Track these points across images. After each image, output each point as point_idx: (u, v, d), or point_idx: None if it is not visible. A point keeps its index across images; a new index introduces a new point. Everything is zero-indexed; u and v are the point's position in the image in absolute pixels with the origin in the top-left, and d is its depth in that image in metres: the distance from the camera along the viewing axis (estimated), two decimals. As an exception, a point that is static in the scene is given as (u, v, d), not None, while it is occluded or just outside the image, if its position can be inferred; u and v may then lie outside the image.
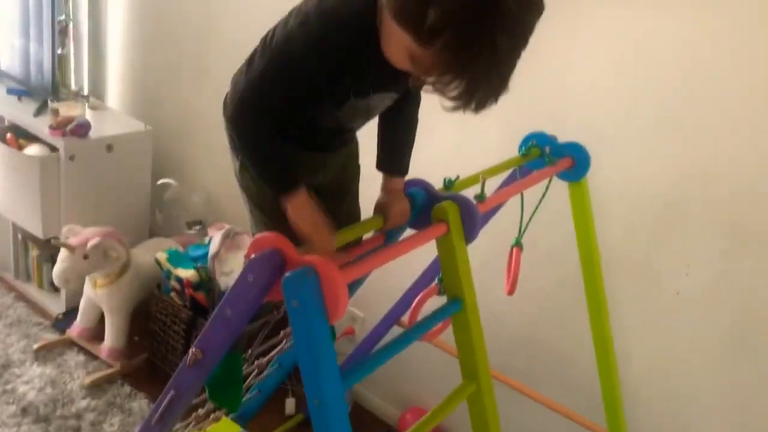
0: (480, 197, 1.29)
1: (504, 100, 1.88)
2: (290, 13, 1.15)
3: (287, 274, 0.93)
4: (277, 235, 1.01)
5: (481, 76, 0.97)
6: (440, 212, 1.20)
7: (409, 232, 1.29)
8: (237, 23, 2.51)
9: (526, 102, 1.87)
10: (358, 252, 1.28)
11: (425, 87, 1.02)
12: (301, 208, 1.13)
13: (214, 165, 2.71)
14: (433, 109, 2.01)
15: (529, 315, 2.01)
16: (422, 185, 1.30)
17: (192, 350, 1.08)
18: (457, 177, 1.37)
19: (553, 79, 1.82)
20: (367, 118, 1.28)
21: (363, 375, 1.04)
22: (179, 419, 1.27)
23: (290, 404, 2.35)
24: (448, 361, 2.04)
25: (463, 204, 1.21)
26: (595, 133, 1.74)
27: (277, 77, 1.10)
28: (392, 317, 1.99)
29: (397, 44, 0.99)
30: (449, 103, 0.99)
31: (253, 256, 0.98)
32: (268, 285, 0.99)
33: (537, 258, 1.80)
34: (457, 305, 1.22)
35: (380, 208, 1.30)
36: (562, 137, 1.67)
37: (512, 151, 1.70)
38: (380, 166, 1.34)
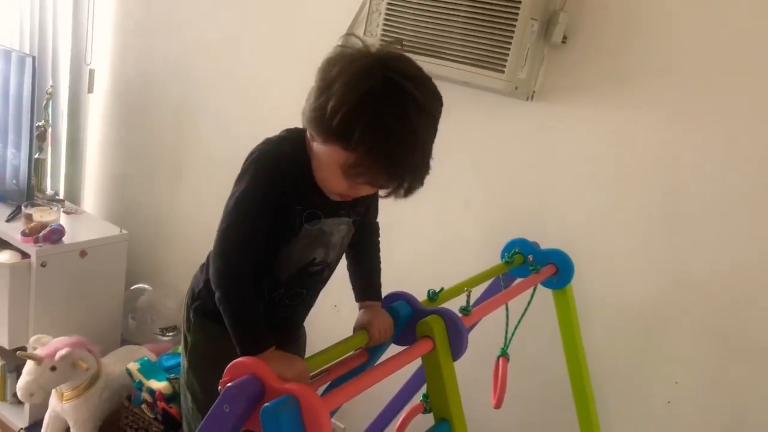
0: (465, 310, 1.26)
1: (483, 205, 1.91)
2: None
3: (266, 404, 0.88)
4: (255, 360, 0.96)
5: (405, 164, 1.08)
6: (426, 328, 1.16)
7: (392, 348, 1.25)
8: (214, 132, 2.53)
9: (505, 207, 1.88)
10: (340, 372, 1.22)
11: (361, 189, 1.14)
12: (271, 359, 1.04)
13: (190, 269, 2.65)
14: (410, 216, 2.03)
15: (517, 426, 1.93)
16: (406, 298, 1.26)
17: (162, 485, 1.00)
18: (441, 289, 1.34)
19: (530, 184, 1.83)
20: (327, 249, 1.27)
21: None
22: None
23: None
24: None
25: (448, 319, 1.18)
26: (576, 237, 1.74)
27: (236, 222, 1.17)
28: (375, 431, 1.91)
29: (329, 162, 1.10)
30: (383, 192, 1.14)
31: (229, 384, 0.93)
32: (246, 414, 0.93)
33: (522, 365, 1.75)
34: (445, 427, 1.16)
35: (362, 325, 1.26)
36: (542, 243, 1.66)
37: (493, 256, 1.69)
38: (357, 297, 1.34)
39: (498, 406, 1.55)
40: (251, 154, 1.21)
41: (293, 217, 1.19)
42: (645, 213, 1.67)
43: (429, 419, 1.28)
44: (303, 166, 1.16)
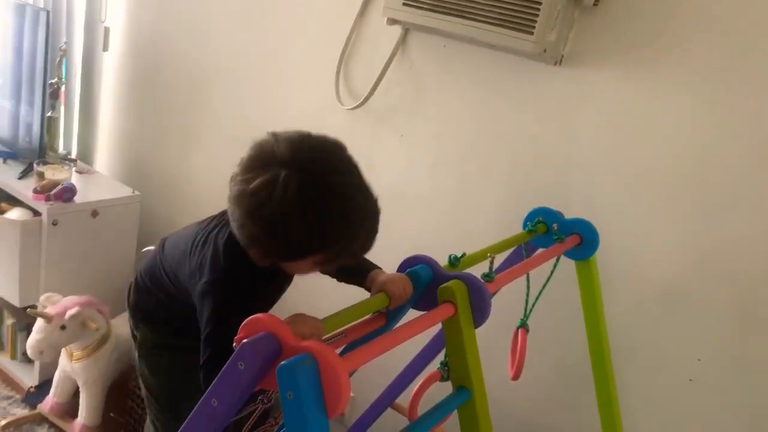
0: (488, 276, 1.21)
1: (504, 174, 1.85)
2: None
3: (283, 362, 0.84)
4: (271, 317, 0.91)
5: (371, 238, 1.22)
6: (447, 292, 1.12)
7: (411, 313, 1.21)
8: (227, 94, 2.48)
9: (527, 176, 1.83)
10: (355, 335, 1.18)
11: None
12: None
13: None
14: (432, 183, 1.98)
15: (533, 400, 1.90)
16: (427, 262, 1.22)
17: (173, 444, 0.97)
18: (463, 254, 1.29)
19: (554, 153, 1.77)
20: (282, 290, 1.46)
21: (363, 476, 0.94)
22: None
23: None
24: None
25: (471, 284, 1.13)
26: (600, 209, 1.68)
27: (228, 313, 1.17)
28: (387, 399, 1.88)
29: (300, 266, 1.22)
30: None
31: (244, 340, 0.89)
32: (261, 373, 0.89)
33: (540, 339, 1.71)
34: (465, 395, 1.12)
35: (381, 287, 1.22)
36: (566, 214, 1.61)
37: (514, 226, 1.64)
38: (361, 278, 1.34)
39: (515, 377, 1.51)
40: (209, 285, 1.25)
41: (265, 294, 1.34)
42: (672, 186, 1.61)
43: (446, 387, 1.24)
44: (252, 272, 1.24)
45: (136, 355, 1.60)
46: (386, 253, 2.06)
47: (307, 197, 1.10)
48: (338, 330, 1.11)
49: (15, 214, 2.37)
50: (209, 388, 0.92)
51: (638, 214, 1.66)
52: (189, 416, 0.95)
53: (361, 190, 1.19)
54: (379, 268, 1.36)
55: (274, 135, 1.21)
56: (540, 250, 1.57)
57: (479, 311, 1.13)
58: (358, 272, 1.36)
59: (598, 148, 1.71)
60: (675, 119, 1.59)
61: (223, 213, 1.32)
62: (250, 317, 0.92)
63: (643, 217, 1.66)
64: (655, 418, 1.71)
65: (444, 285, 1.13)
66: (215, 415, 0.92)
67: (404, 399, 1.79)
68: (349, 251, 1.18)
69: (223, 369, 0.90)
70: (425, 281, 1.19)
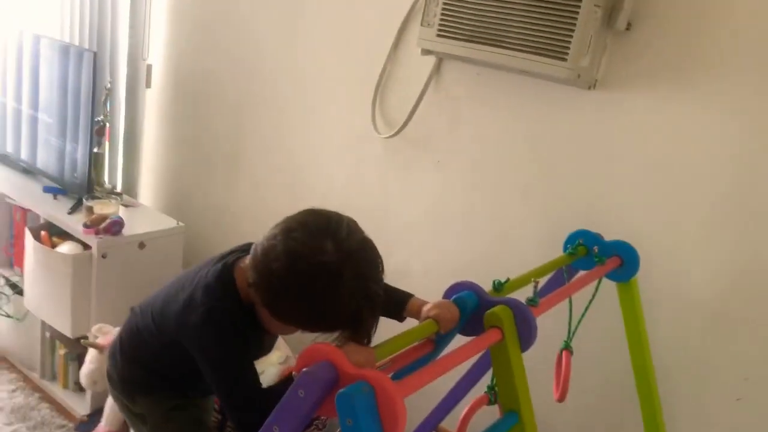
0: (532, 301, 1.24)
1: (542, 197, 1.88)
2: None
3: (341, 390, 0.87)
4: (329, 346, 0.96)
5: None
6: (494, 318, 1.15)
7: (458, 339, 1.24)
8: (271, 125, 2.55)
9: (565, 199, 1.85)
10: (404, 362, 1.21)
11: None
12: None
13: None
14: (469, 208, 2.01)
15: (577, 422, 1.90)
16: (472, 288, 1.25)
17: (235, 471, 1.01)
18: (507, 279, 1.32)
19: (591, 175, 1.80)
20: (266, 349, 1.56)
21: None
22: None
23: None
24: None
25: (517, 309, 1.16)
26: (639, 230, 1.69)
27: (235, 386, 1.32)
28: (431, 423, 1.90)
29: (285, 327, 1.30)
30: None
31: (304, 370, 0.93)
32: (320, 399, 0.93)
33: (584, 360, 1.72)
34: (514, 419, 1.14)
35: (428, 315, 1.25)
36: (604, 236, 1.63)
37: (552, 249, 1.66)
38: (399, 309, 1.37)
39: (561, 399, 1.52)
40: (201, 325, 1.32)
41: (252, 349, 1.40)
42: (711, 206, 1.62)
43: (491, 411, 1.27)
44: (243, 315, 1.33)
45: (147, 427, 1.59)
46: (424, 278, 2.11)
47: (345, 292, 1.18)
48: (388, 357, 1.14)
49: (66, 248, 2.46)
50: (270, 416, 0.96)
51: (679, 235, 1.67)
52: (251, 444, 0.99)
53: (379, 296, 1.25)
54: (413, 295, 1.38)
55: (340, 216, 1.26)
56: (581, 273, 1.59)
57: (526, 336, 1.16)
58: (393, 305, 1.37)
59: (636, 169, 1.73)
60: (714, 140, 1.61)
61: (200, 269, 1.42)
62: (308, 347, 0.96)
63: (685, 237, 1.67)
64: (703, 437, 1.71)
65: (490, 311, 1.16)
66: (277, 442, 0.96)
67: (447, 423, 1.82)
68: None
69: (283, 397, 0.95)
70: (471, 307, 1.22)
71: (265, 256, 1.22)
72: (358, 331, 1.17)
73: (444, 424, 1.88)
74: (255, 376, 1.32)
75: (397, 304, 1.39)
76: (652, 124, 1.69)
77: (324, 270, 1.17)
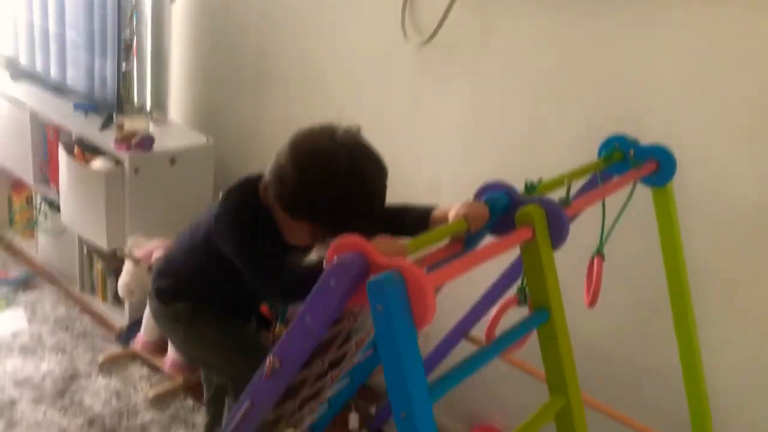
0: (565, 202, 1.22)
1: (579, 100, 1.83)
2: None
3: (372, 277, 0.88)
4: (359, 238, 0.96)
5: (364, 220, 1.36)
6: (525, 217, 1.13)
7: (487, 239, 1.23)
8: (296, 36, 2.50)
9: (602, 101, 1.80)
10: (433, 260, 1.21)
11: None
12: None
13: (275, 177, 2.70)
14: (503, 116, 1.97)
15: (606, 329, 1.91)
16: (503, 188, 1.23)
17: (269, 359, 1.04)
18: (540, 179, 1.30)
19: (631, 77, 1.73)
20: None
21: (450, 386, 0.98)
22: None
23: (354, 419, 2.29)
24: (515, 377, 1.96)
25: (549, 208, 1.15)
26: (678, 134, 1.64)
27: (258, 269, 1.44)
28: (460, 331, 1.92)
29: (299, 230, 1.44)
30: None
31: (335, 260, 0.93)
32: (351, 289, 0.94)
33: (614, 268, 1.70)
34: (544, 315, 1.15)
35: (457, 214, 1.24)
36: (642, 139, 1.59)
37: (587, 154, 1.62)
38: (424, 219, 1.43)
39: (591, 305, 1.52)
40: (221, 215, 1.48)
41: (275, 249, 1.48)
42: (755, 110, 1.56)
43: (523, 313, 1.27)
44: (263, 218, 1.45)
45: (181, 332, 1.70)
46: (454, 191, 2.09)
47: (347, 180, 1.34)
48: (418, 254, 1.14)
49: (99, 163, 2.49)
50: (304, 306, 0.97)
51: (719, 140, 1.62)
52: (285, 333, 1.01)
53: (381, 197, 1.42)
54: (436, 206, 1.44)
55: (345, 126, 1.43)
56: (615, 178, 1.56)
57: (558, 234, 1.15)
58: (416, 221, 1.43)
59: (675, 72, 1.66)
60: (759, 41, 1.53)
61: None
62: (340, 239, 0.96)
63: (723, 142, 1.62)
64: (734, 344, 1.70)
65: (522, 209, 1.14)
66: (309, 330, 0.98)
67: (477, 331, 1.84)
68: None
69: (315, 287, 0.96)
70: (502, 207, 1.21)
71: (275, 157, 1.44)
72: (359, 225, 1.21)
73: (474, 332, 1.90)
74: (275, 259, 1.43)
75: (420, 218, 1.43)
76: (696, 27, 1.61)
77: (320, 152, 1.36)
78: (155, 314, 1.75)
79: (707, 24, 1.59)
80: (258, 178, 1.50)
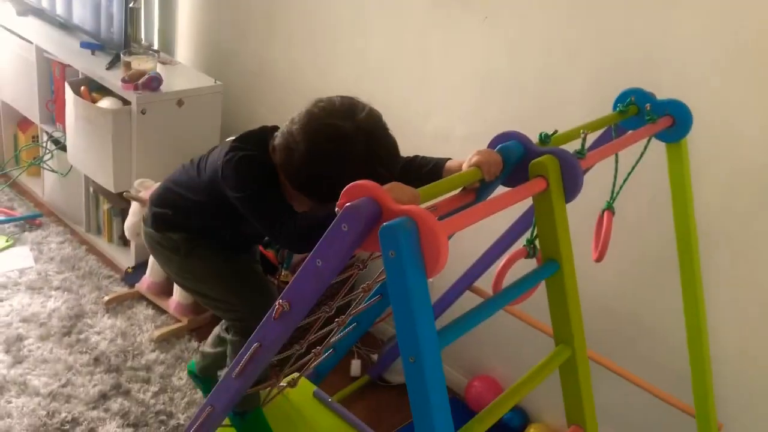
0: (580, 153, 1.21)
1: (590, 54, 1.79)
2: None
3: (385, 223, 0.87)
4: (372, 183, 0.95)
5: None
6: (540, 167, 1.12)
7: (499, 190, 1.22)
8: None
9: (615, 57, 1.76)
10: (447, 208, 1.20)
11: None
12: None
13: (283, 120, 2.67)
14: (517, 66, 1.94)
15: (610, 284, 1.91)
16: (518, 138, 1.21)
17: (279, 302, 1.04)
18: (555, 131, 1.28)
19: (645, 33, 1.69)
20: None
21: (458, 334, 0.98)
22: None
23: (356, 366, 2.33)
24: (515, 327, 1.97)
25: (564, 159, 1.13)
26: (693, 91, 1.61)
27: (270, 216, 1.40)
28: (465, 282, 1.93)
29: (298, 199, 1.43)
30: None
31: (347, 204, 0.92)
32: (363, 234, 0.93)
33: (622, 223, 1.70)
34: (554, 267, 1.14)
35: (471, 163, 1.23)
36: (655, 91, 1.56)
37: (600, 107, 1.60)
38: (439, 167, 1.41)
39: (599, 259, 1.52)
40: (231, 161, 1.44)
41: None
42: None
43: (531, 264, 1.27)
44: (269, 172, 1.43)
45: (176, 263, 1.69)
46: (465, 142, 2.07)
47: (351, 158, 1.31)
48: (430, 202, 1.13)
49: (105, 103, 2.46)
50: (314, 250, 0.97)
51: (733, 97, 1.59)
52: (294, 276, 1.01)
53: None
54: (449, 159, 1.41)
55: (366, 104, 1.38)
56: (630, 132, 1.54)
57: (571, 186, 1.14)
58: (428, 172, 1.40)
59: (692, 27, 1.62)
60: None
61: None
62: (352, 184, 0.95)
63: (739, 99, 1.59)
64: (738, 304, 1.71)
65: (536, 160, 1.13)
66: (320, 274, 0.98)
67: (482, 283, 1.84)
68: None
69: (327, 231, 0.95)
70: (517, 157, 1.19)
71: (290, 121, 1.39)
72: None
73: (478, 284, 1.91)
74: (286, 204, 1.40)
75: (434, 168, 1.42)
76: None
77: (336, 132, 1.31)
78: (148, 240, 1.73)
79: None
80: (271, 132, 1.47)
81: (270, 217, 1.38)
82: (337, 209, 0.95)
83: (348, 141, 1.30)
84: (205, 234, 1.64)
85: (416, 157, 1.49)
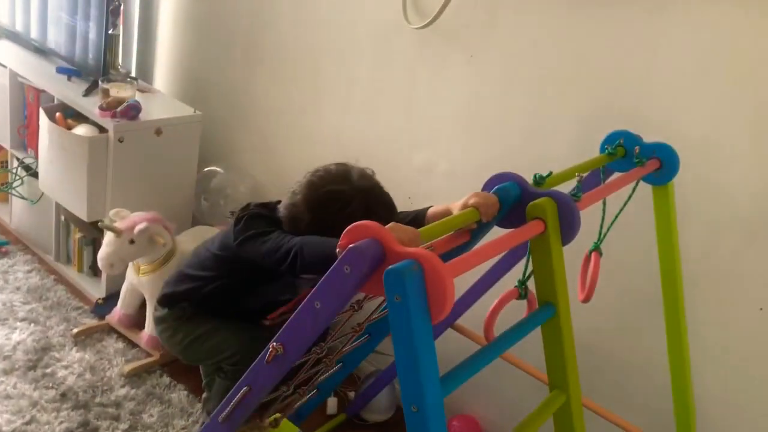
0: (575, 195, 1.21)
1: (581, 96, 1.81)
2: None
3: (391, 266, 0.85)
4: (374, 223, 0.93)
5: None
6: (538, 210, 1.12)
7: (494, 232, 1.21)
8: (287, 12, 2.44)
9: (605, 99, 1.78)
10: (443, 249, 1.19)
11: None
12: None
13: (262, 153, 2.65)
14: (504, 106, 1.95)
15: (594, 324, 1.90)
16: (515, 179, 1.21)
17: (272, 345, 1.01)
18: (550, 173, 1.28)
19: (633, 71, 1.72)
20: (294, 290, 1.85)
21: (461, 381, 0.96)
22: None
23: (332, 404, 2.28)
24: (496, 366, 1.95)
25: (562, 202, 1.13)
26: (678, 133, 1.63)
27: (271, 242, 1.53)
28: (448, 320, 1.91)
29: None
30: None
31: (351, 246, 0.90)
32: (366, 277, 0.91)
33: (607, 263, 1.70)
34: (551, 310, 1.13)
35: (467, 204, 1.22)
36: (642, 133, 1.58)
37: (589, 149, 1.61)
38: (418, 222, 1.49)
39: (586, 300, 1.51)
40: (239, 219, 1.60)
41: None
42: (758, 108, 1.56)
43: (521, 306, 1.25)
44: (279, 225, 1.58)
45: (184, 327, 1.83)
46: (448, 178, 2.07)
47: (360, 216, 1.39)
48: (428, 243, 1.12)
49: (81, 130, 2.41)
50: (313, 291, 0.94)
51: (720, 141, 1.61)
52: (290, 319, 0.98)
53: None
54: (430, 206, 1.51)
55: (359, 167, 1.58)
56: (616, 175, 1.55)
57: (568, 230, 1.14)
58: (410, 222, 1.48)
59: (680, 70, 1.65)
60: (763, 38, 1.52)
61: None
62: (354, 224, 0.93)
63: (725, 143, 1.61)
64: (722, 346, 1.71)
65: (535, 202, 1.13)
66: (317, 316, 0.95)
67: (465, 320, 1.82)
68: None
69: (327, 273, 0.92)
70: (513, 198, 1.19)
71: (291, 193, 1.56)
72: None
73: (460, 322, 1.89)
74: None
75: (415, 220, 1.50)
76: (701, 26, 1.60)
77: (336, 195, 1.48)
78: (159, 321, 1.86)
79: (710, 19, 1.58)
80: (274, 206, 1.63)
81: (275, 245, 1.48)
82: (338, 249, 0.93)
83: (349, 202, 1.47)
84: (213, 305, 1.80)
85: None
